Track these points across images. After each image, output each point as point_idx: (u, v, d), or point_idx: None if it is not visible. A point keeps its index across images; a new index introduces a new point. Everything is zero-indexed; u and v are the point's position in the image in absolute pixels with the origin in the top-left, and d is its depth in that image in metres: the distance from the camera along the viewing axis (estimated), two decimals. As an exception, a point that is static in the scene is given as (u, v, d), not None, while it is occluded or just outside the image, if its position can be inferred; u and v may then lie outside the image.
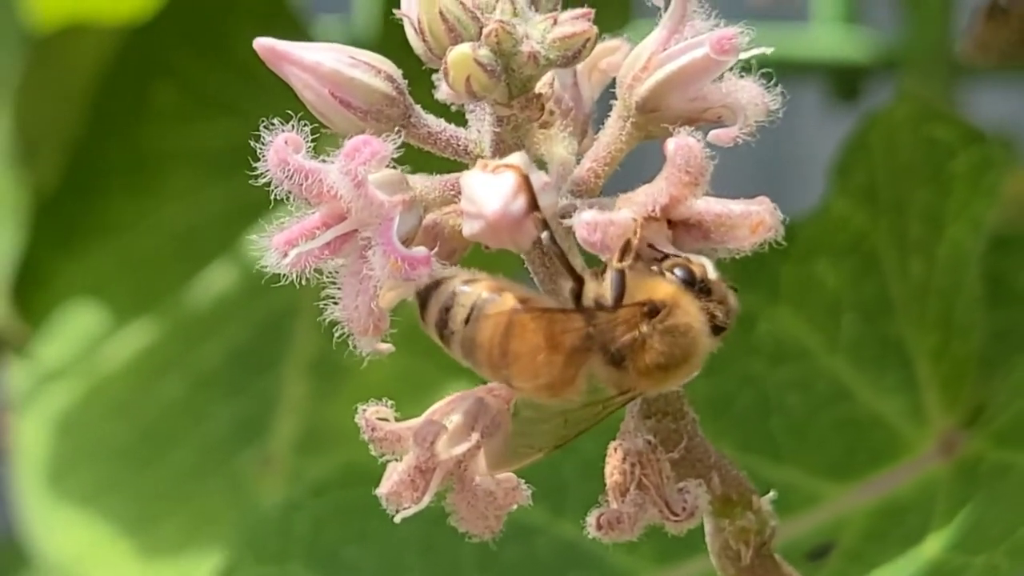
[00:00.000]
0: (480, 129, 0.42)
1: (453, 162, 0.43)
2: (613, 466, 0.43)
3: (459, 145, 0.42)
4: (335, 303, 0.41)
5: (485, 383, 0.43)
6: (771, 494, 0.46)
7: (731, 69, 0.42)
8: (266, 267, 0.40)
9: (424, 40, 0.41)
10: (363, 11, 0.87)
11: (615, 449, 0.43)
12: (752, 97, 0.41)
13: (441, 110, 0.43)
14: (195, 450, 0.76)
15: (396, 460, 0.43)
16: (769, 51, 0.41)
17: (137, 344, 0.79)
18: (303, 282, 0.40)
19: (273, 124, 0.40)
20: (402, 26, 0.42)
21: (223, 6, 0.82)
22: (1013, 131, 0.89)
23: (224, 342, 0.78)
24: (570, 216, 0.40)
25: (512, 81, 0.41)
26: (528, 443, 0.43)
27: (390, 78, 0.41)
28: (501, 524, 0.43)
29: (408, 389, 0.64)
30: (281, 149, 0.40)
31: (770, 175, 1.27)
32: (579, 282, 0.41)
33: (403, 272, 0.39)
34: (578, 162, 0.42)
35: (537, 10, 0.41)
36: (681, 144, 0.40)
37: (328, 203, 0.40)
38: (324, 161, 0.40)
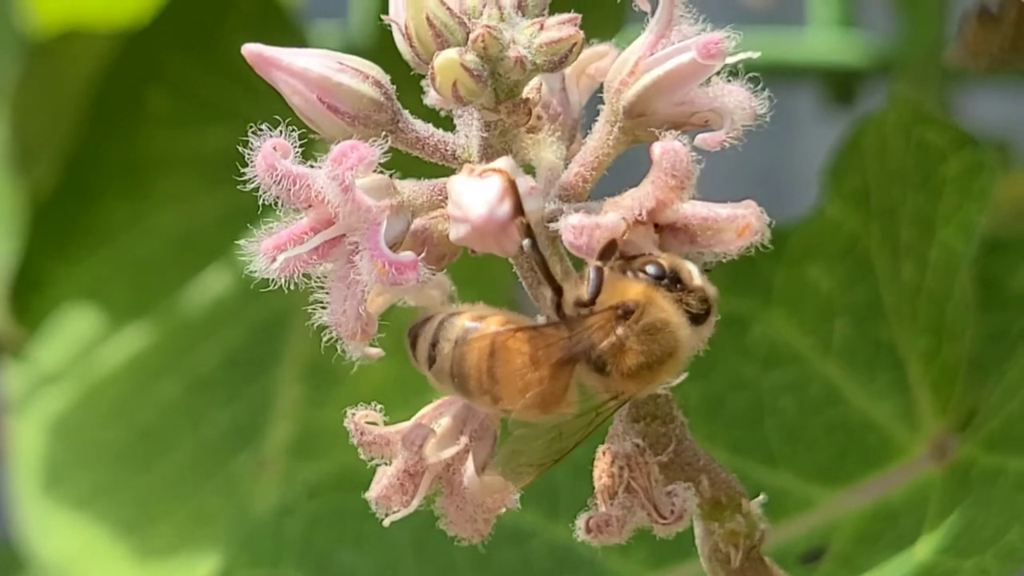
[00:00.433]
0: (468, 134, 0.42)
1: (442, 167, 0.43)
2: (602, 469, 0.43)
3: (447, 150, 0.42)
4: (324, 308, 0.41)
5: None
6: (761, 497, 0.46)
7: (720, 73, 0.42)
8: (255, 272, 0.41)
9: (412, 45, 0.41)
10: (359, 16, 0.87)
11: (604, 452, 0.43)
12: (739, 101, 0.41)
13: (432, 116, 0.43)
14: (190, 453, 0.76)
15: (386, 464, 0.43)
16: (756, 55, 0.41)
17: (133, 348, 0.79)
18: (293, 287, 0.41)
19: (262, 129, 0.40)
20: (398, 31, 0.42)
21: (219, 12, 0.82)
22: (1008, 135, 0.89)
23: (219, 346, 0.78)
24: (557, 220, 0.40)
25: (499, 86, 0.41)
26: (526, 461, 0.43)
27: (378, 83, 0.41)
28: (490, 527, 0.43)
29: (402, 393, 0.64)
30: (269, 154, 0.40)
31: (766, 179, 1.26)
32: (558, 292, 0.41)
33: (390, 277, 0.39)
34: (566, 167, 0.42)
35: (524, 15, 0.41)
36: (667, 148, 0.40)
37: (316, 208, 0.40)
38: (312, 166, 0.40)
